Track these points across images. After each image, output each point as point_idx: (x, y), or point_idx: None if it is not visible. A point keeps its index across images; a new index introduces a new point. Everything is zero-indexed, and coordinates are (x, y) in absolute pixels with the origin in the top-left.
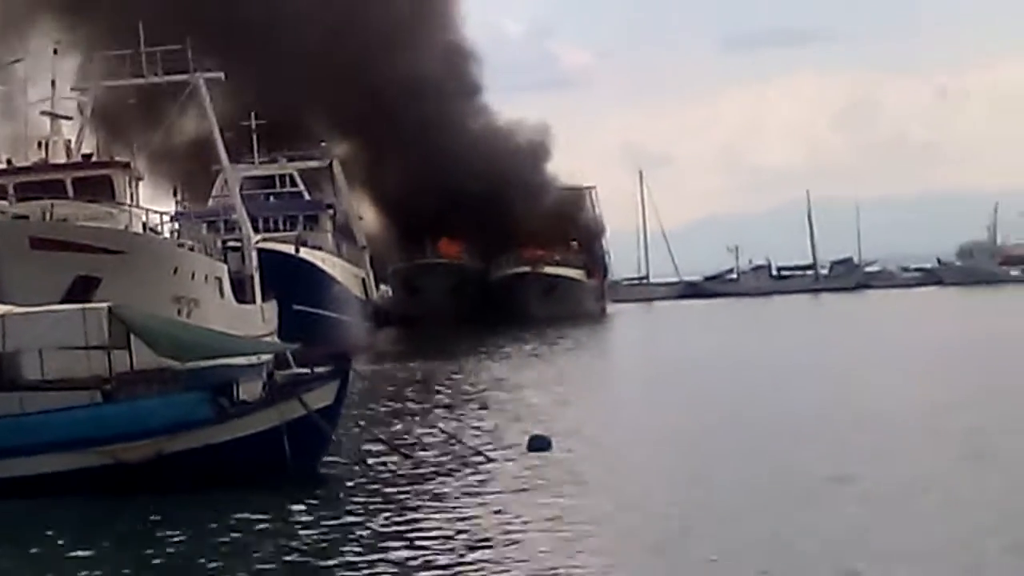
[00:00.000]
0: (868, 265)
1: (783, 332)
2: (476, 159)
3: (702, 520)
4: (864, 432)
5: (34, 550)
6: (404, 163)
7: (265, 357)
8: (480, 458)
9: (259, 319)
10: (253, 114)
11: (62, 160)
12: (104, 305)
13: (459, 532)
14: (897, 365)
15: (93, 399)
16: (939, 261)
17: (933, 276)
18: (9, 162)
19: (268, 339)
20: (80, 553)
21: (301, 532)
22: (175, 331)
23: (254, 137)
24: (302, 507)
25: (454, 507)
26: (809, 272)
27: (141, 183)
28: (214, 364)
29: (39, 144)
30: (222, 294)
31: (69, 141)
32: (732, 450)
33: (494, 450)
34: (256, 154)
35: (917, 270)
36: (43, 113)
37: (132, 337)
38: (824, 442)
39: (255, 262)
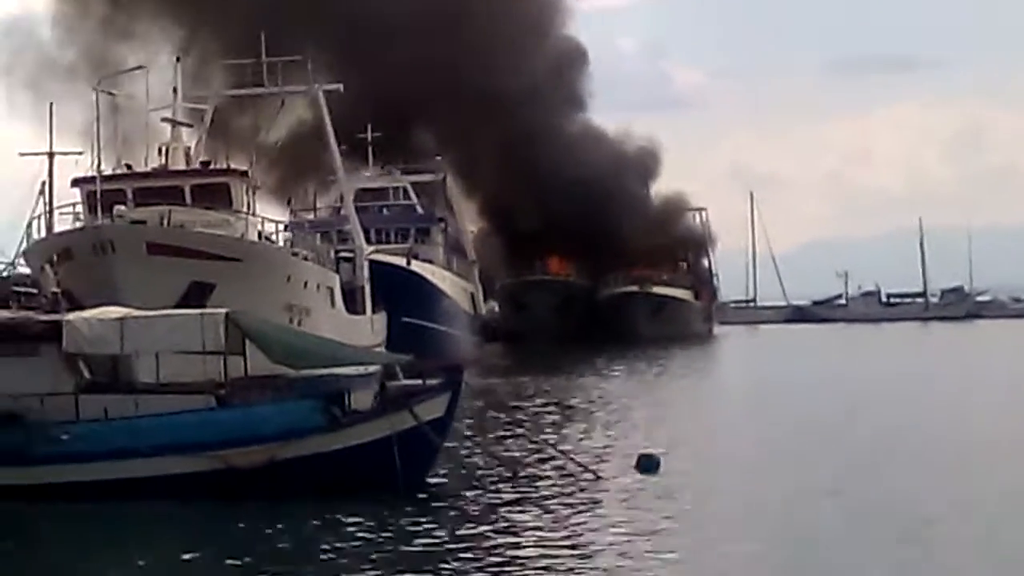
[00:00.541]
0: (979, 294)
1: (892, 359)
2: (588, 176)
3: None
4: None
5: (143, 552)
6: (513, 177)
7: (374, 368)
8: (588, 475)
9: (369, 330)
10: (369, 126)
11: (181, 167)
12: (222, 311)
13: (563, 550)
14: (1001, 397)
15: (207, 404)
16: None
17: None
18: (129, 167)
19: (379, 350)
20: (187, 557)
21: (408, 543)
22: (290, 338)
23: (369, 149)
24: (410, 518)
25: (561, 525)
26: (919, 300)
27: (257, 191)
28: (327, 373)
29: (159, 150)
30: (333, 304)
31: (188, 148)
32: (837, 482)
33: (603, 468)
34: (370, 165)
35: None
36: (164, 120)
37: (247, 343)
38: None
39: (366, 273)
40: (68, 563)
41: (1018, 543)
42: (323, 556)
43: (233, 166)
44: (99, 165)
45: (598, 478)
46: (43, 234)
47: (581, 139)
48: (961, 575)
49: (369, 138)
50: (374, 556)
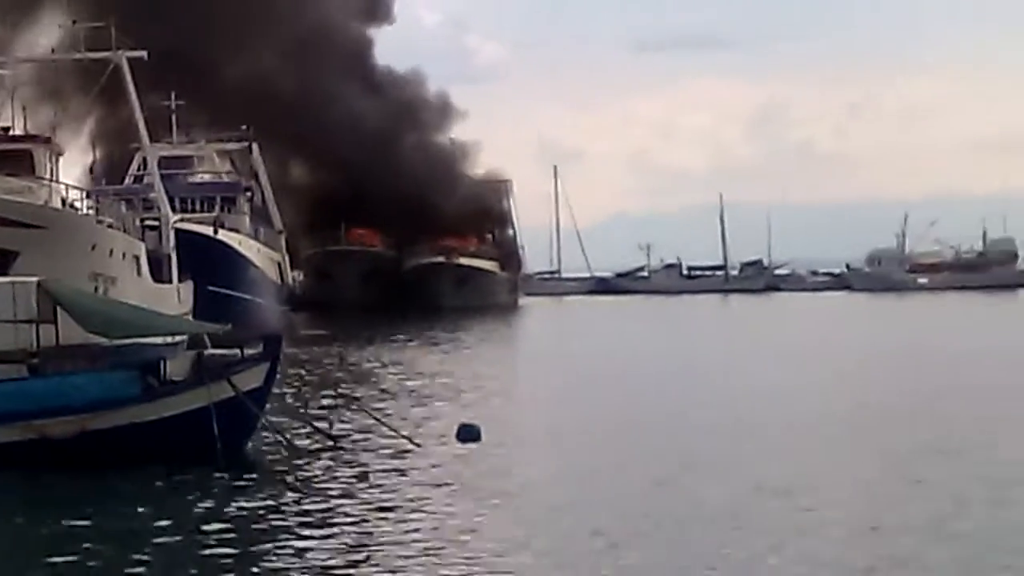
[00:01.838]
0: (778, 268)
1: (690, 331)
2: (393, 148)
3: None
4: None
5: None
6: (320, 149)
7: (180, 337)
8: (408, 445)
9: (175, 299)
10: (173, 94)
11: None
12: (33, 279)
13: (384, 522)
14: (792, 368)
15: (19, 373)
16: (848, 267)
17: (842, 281)
18: None
19: (191, 319)
20: None
21: (225, 513)
22: (104, 307)
23: (173, 117)
24: (228, 489)
25: (382, 495)
26: (719, 273)
27: (61, 158)
28: (134, 342)
29: None
30: (139, 272)
31: None
32: (641, 449)
33: (422, 438)
34: (175, 134)
35: (826, 275)
36: None
37: (59, 312)
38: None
39: (172, 242)
40: None
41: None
42: (137, 527)
43: (37, 133)
44: None
45: (418, 447)
46: None
47: (396, 113)
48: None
49: (173, 105)
50: (191, 527)
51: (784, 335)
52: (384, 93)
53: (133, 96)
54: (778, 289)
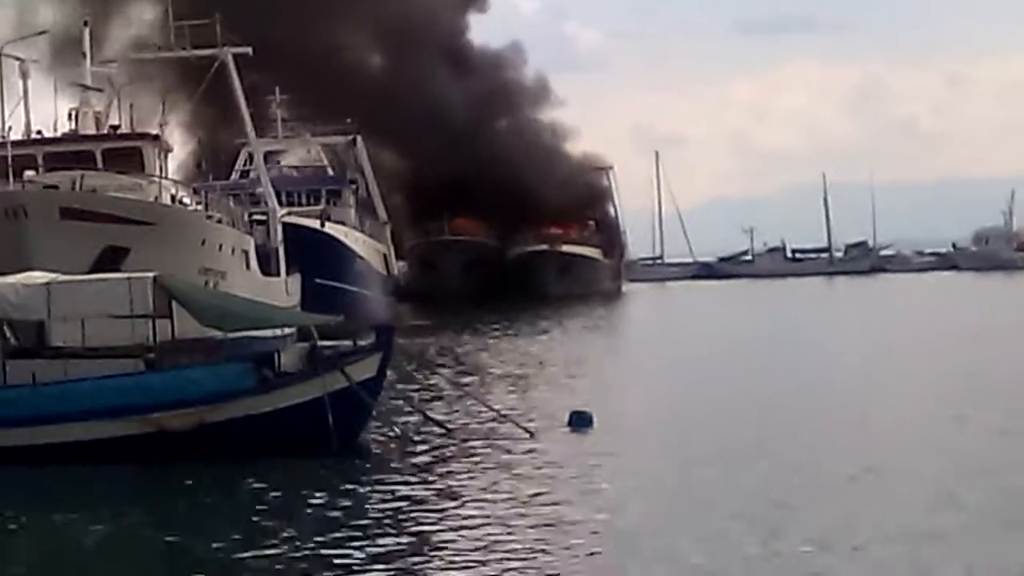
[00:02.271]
0: (883, 249)
1: (797, 315)
2: (491, 132)
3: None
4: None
5: (72, 516)
6: (420, 138)
7: (289, 330)
8: (520, 433)
9: (283, 292)
10: (277, 88)
11: (92, 131)
12: (149, 274)
13: (503, 510)
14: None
15: (136, 368)
16: (954, 246)
17: (948, 261)
18: (39, 133)
19: (306, 312)
20: (118, 520)
21: (341, 505)
22: (219, 301)
23: (278, 112)
24: (343, 478)
25: (498, 484)
26: (824, 255)
27: (170, 155)
28: (252, 335)
29: (69, 115)
30: (248, 266)
31: (99, 112)
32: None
33: (534, 425)
34: (280, 129)
35: (932, 255)
36: (73, 84)
37: (175, 306)
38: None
39: (280, 235)
40: None
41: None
42: (256, 519)
43: (146, 130)
44: (7, 131)
45: (532, 435)
46: None
47: (492, 98)
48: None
49: (277, 100)
50: (307, 518)
51: (891, 317)
52: (481, 75)
53: (239, 92)
54: (884, 270)
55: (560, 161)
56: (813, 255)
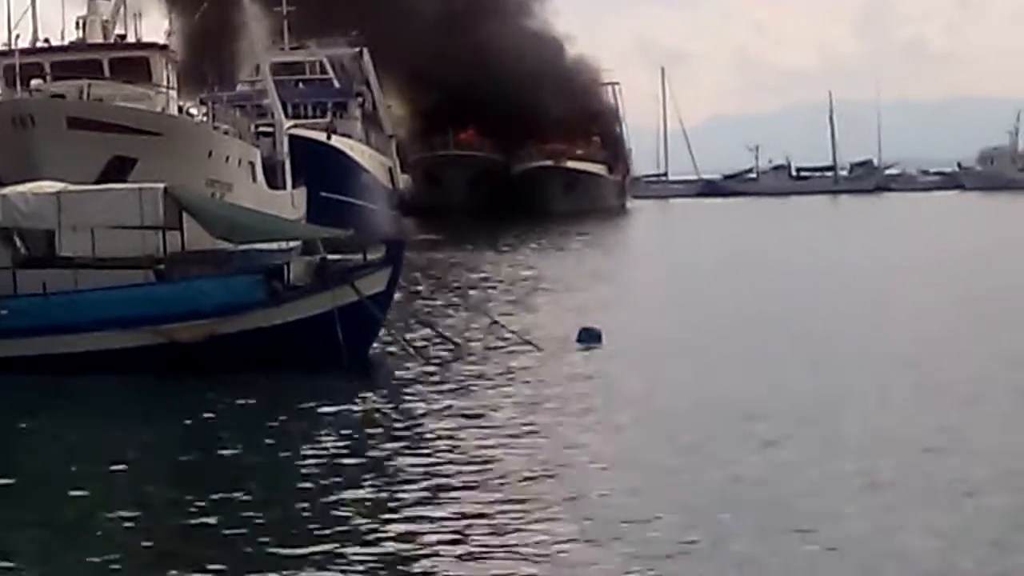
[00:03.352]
0: (888, 168)
1: (801, 233)
2: (503, 52)
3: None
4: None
5: (84, 426)
6: (427, 51)
7: (295, 243)
8: (529, 348)
9: (290, 204)
10: (284, 1)
11: (99, 40)
12: (160, 185)
13: (513, 425)
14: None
15: (147, 279)
16: (959, 166)
17: (953, 180)
18: (47, 41)
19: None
20: (129, 431)
21: (351, 416)
22: (229, 213)
23: (284, 23)
24: (352, 392)
25: (502, 398)
26: (828, 173)
27: (176, 65)
28: (259, 247)
29: (76, 24)
30: (254, 179)
31: (106, 21)
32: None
33: (543, 341)
34: (286, 40)
35: (937, 174)
36: None
37: (185, 217)
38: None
39: (286, 148)
40: (5, 436)
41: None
42: (266, 431)
43: (154, 40)
44: (15, 39)
45: (540, 350)
46: None
47: (493, 13)
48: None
49: (284, 11)
50: (317, 431)
51: (894, 237)
52: None
53: (247, 2)
54: (889, 189)
55: (565, 76)
56: (818, 173)
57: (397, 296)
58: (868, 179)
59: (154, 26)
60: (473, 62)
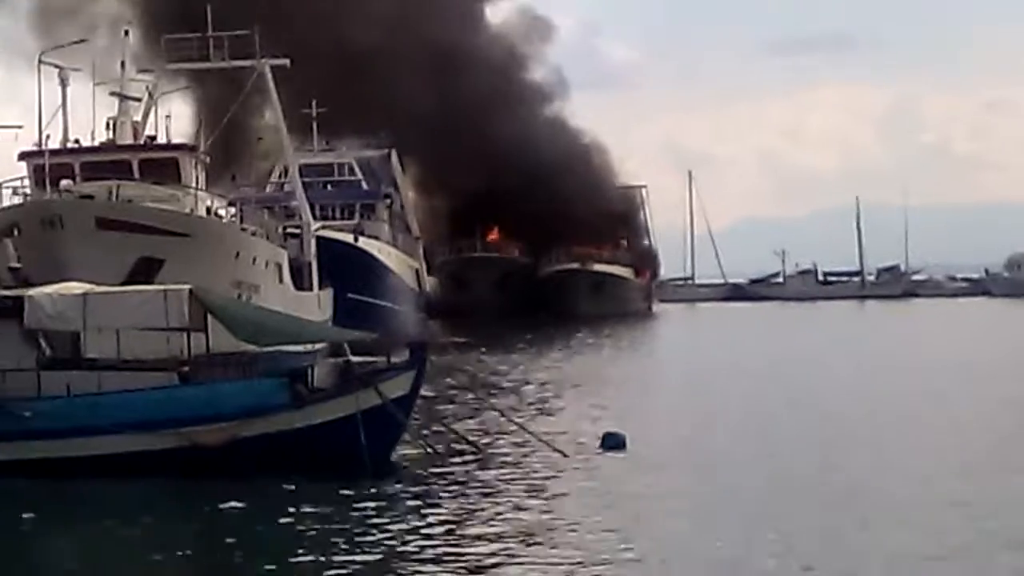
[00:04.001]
0: (915, 273)
1: (828, 339)
2: (528, 151)
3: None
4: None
5: (106, 529)
6: (457, 153)
7: (321, 345)
8: (553, 453)
9: (316, 306)
10: (314, 102)
11: (129, 141)
12: (185, 287)
13: (535, 529)
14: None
15: (171, 381)
16: (987, 272)
17: (980, 287)
18: (77, 142)
19: (340, 327)
20: (150, 534)
21: (374, 522)
22: (254, 315)
23: (314, 125)
24: (376, 497)
25: (531, 503)
26: (855, 278)
27: (205, 166)
28: (287, 350)
29: (106, 125)
30: (281, 280)
31: (136, 122)
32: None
33: (567, 446)
34: (315, 142)
35: (964, 280)
36: (112, 94)
37: (210, 319)
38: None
39: (314, 249)
40: (30, 540)
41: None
42: (288, 535)
43: (183, 141)
44: (45, 139)
45: (564, 455)
46: None
47: (526, 116)
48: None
49: (314, 113)
50: (339, 535)
51: (921, 343)
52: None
53: (276, 104)
54: (916, 295)
55: (593, 179)
56: (845, 278)
57: (421, 399)
58: (895, 284)
59: (179, 114)
60: (501, 164)
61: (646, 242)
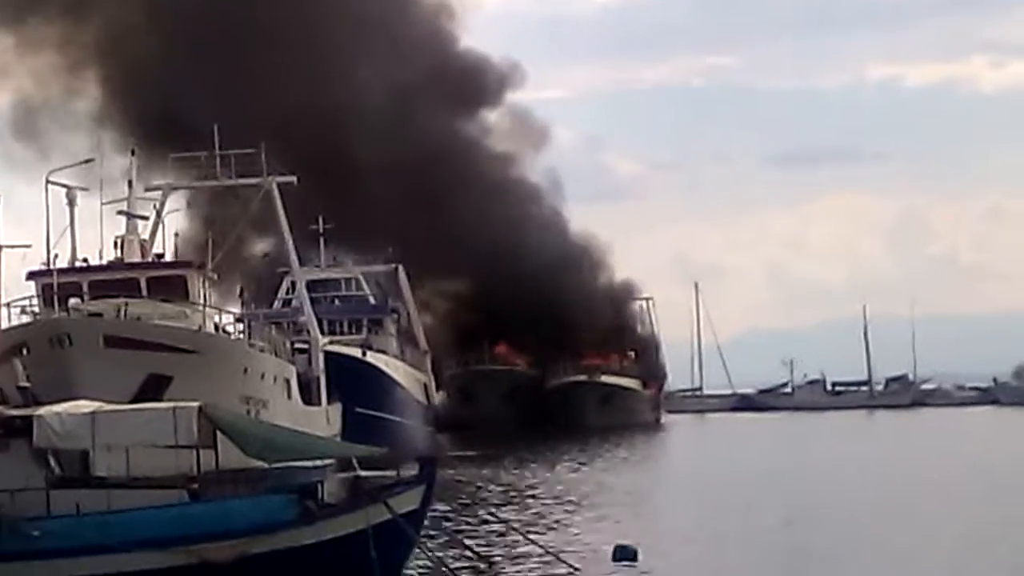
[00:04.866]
0: (924, 382)
1: (837, 450)
2: (534, 265)
3: None
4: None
5: None
6: (462, 267)
7: (330, 460)
8: (563, 567)
9: (325, 421)
10: (321, 219)
11: (137, 259)
12: (194, 404)
13: None
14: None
15: (180, 498)
16: (995, 381)
17: (989, 395)
18: (85, 260)
19: (348, 442)
20: None
21: None
22: (263, 432)
23: (321, 241)
24: None
25: None
26: (864, 388)
27: (213, 283)
28: (296, 465)
29: (114, 243)
30: (290, 395)
31: (143, 240)
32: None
33: (577, 558)
34: (322, 258)
35: (973, 389)
36: (120, 213)
37: (218, 436)
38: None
39: (322, 364)
40: None
41: None
42: None
43: (190, 259)
44: (53, 258)
45: (575, 569)
46: None
47: (527, 225)
48: None
49: (321, 229)
50: None
51: (930, 454)
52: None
53: (284, 222)
54: (924, 404)
55: (599, 291)
56: (853, 388)
57: (431, 513)
58: (904, 394)
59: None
60: (506, 275)
61: (654, 353)
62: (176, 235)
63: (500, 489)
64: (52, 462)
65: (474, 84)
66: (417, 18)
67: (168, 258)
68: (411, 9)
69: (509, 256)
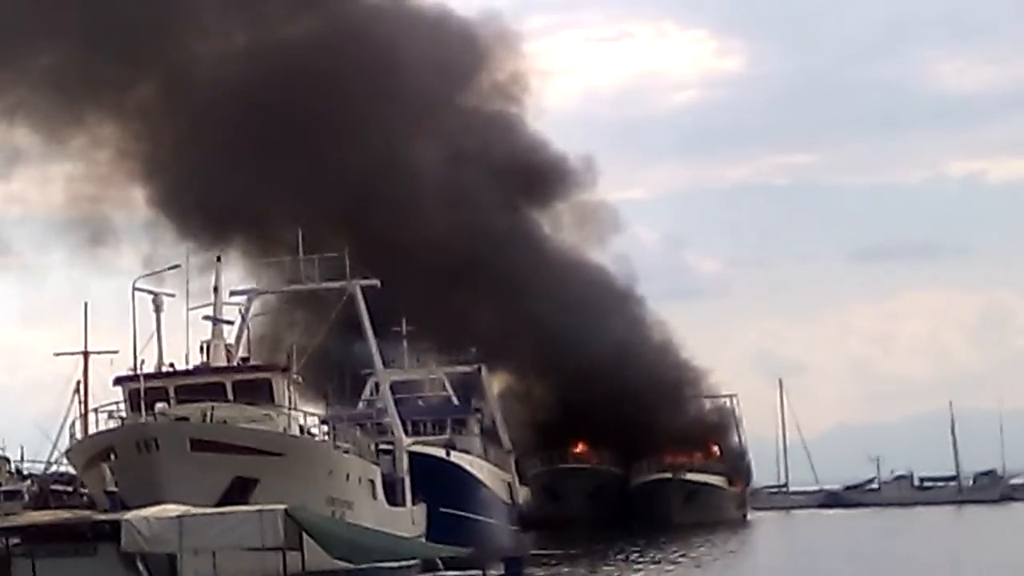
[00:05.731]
0: (1013, 477)
1: (927, 546)
2: (612, 362)
3: None
4: None
5: None
6: (546, 366)
7: (413, 560)
8: None
9: (409, 521)
10: (404, 320)
11: (222, 363)
12: (280, 507)
13: None
14: None
15: None
16: None
17: None
18: (172, 365)
19: (432, 543)
20: None
21: None
22: (349, 533)
23: (404, 343)
24: None
25: None
26: (952, 483)
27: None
28: (382, 566)
29: (200, 348)
30: (374, 496)
31: (229, 345)
32: None
33: None
34: (405, 359)
35: None
36: (205, 318)
37: (304, 538)
38: None
39: (406, 465)
40: None
41: None
42: None
43: (276, 362)
44: (140, 364)
45: None
46: (82, 433)
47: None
48: None
49: (404, 331)
50: None
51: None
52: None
53: (367, 324)
54: (1013, 499)
55: (684, 389)
56: (941, 483)
57: None
58: (992, 489)
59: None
60: (589, 374)
61: (739, 450)
62: (263, 339)
63: None
64: (140, 566)
65: (552, 179)
66: (494, 113)
67: (252, 361)
68: (483, 101)
69: (586, 353)
